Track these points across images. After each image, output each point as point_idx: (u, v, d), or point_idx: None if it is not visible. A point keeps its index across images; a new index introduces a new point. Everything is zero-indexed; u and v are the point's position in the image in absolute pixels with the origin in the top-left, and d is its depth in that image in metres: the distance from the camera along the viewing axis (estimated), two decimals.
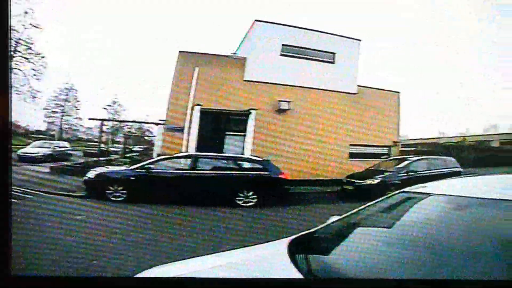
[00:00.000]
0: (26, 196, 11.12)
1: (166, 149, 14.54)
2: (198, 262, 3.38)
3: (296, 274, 2.82)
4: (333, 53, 16.23)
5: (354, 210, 3.95)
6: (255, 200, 12.08)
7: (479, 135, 18.60)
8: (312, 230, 3.74)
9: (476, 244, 2.80)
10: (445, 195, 3.52)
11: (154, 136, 16.79)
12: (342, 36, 16.44)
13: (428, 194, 3.58)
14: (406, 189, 3.94)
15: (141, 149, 17.52)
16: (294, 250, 3.20)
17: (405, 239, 3.21)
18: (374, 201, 4.03)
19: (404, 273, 2.76)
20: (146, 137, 18.16)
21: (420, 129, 18.63)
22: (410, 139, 18.19)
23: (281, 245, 3.33)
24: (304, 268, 2.96)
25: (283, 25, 15.75)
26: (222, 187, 12.09)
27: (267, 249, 3.53)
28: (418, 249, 3.01)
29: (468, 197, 3.27)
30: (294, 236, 3.57)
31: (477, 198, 3.19)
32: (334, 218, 3.91)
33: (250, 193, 12.12)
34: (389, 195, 4.06)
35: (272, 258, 3.26)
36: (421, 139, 18.52)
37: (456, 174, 13.48)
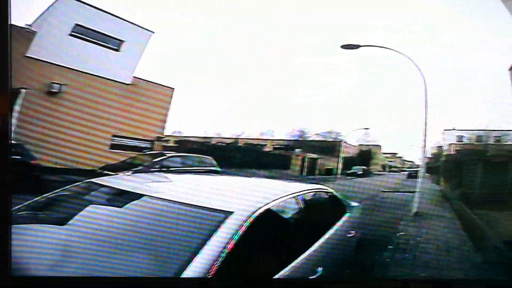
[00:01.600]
0: None
1: None
2: None
3: None
4: (122, 41, 16.03)
5: (40, 197, 4.04)
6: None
7: (253, 138, 19.56)
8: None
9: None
10: (112, 187, 3.83)
11: None
12: (136, 25, 16.26)
13: (104, 186, 3.87)
14: (95, 180, 4.16)
15: None
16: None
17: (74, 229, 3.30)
18: (62, 188, 4.15)
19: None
20: None
21: (196, 128, 19.02)
22: (180, 136, 18.46)
23: None
24: None
25: (85, 3, 15.15)
26: None
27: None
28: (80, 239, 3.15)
29: (131, 192, 3.61)
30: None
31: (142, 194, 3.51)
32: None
33: None
34: (79, 183, 4.23)
35: None
36: (192, 137, 18.89)
37: (212, 173, 13.82)
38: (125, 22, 16.01)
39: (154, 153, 15.10)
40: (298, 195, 4.25)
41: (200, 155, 14.96)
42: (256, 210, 3.29)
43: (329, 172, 21.07)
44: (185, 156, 14.62)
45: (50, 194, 4.06)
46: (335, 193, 5.69)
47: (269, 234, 3.52)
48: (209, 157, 14.88)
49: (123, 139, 15.76)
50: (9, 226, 3.30)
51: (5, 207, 3.41)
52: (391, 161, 24.51)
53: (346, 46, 14.60)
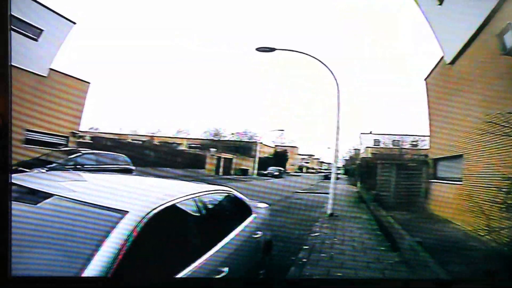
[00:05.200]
0: None
1: None
2: None
3: None
4: (41, 30, 15.52)
5: None
6: None
7: (169, 137, 19.68)
8: None
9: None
10: (23, 186, 3.61)
11: None
12: (58, 14, 15.89)
13: (15, 185, 3.61)
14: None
15: None
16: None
17: None
18: None
19: None
20: None
21: (112, 124, 18.81)
22: (95, 132, 18.20)
23: None
24: None
25: None
26: None
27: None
28: None
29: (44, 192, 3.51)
30: None
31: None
32: None
33: None
34: None
35: None
36: (108, 133, 18.69)
37: (126, 171, 14.17)
38: (46, 9, 15.61)
39: (69, 150, 14.82)
40: (197, 196, 4.32)
41: (114, 153, 14.96)
42: (151, 210, 3.35)
43: (245, 172, 21.74)
44: (99, 153, 14.46)
45: None
46: (238, 194, 5.78)
47: (167, 234, 3.59)
48: (122, 155, 14.90)
49: (37, 134, 15.47)
50: (9, 226, 3.28)
51: (5, 207, 3.36)
52: (307, 163, 25.37)
53: (262, 49, 15.05)
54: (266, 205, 6.80)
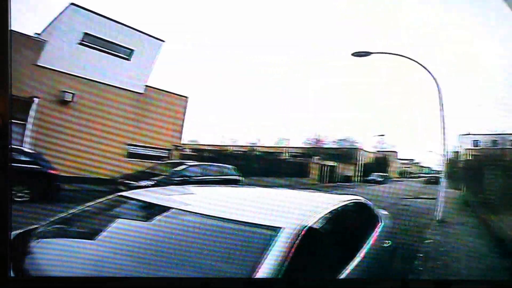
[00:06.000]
0: None
1: None
2: None
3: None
4: (132, 50, 15.93)
5: (72, 211, 3.80)
6: (28, 195, 11.07)
7: (269, 146, 19.47)
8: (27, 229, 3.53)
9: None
10: (148, 202, 3.59)
11: None
12: (146, 34, 16.20)
13: (136, 200, 3.66)
14: (124, 193, 3.96)
15: None
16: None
17: (109, 242, 3.14)
18: (92, 202, 3.92)
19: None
20: None
21: (212, 136, 18.92)
22: (197, 144, 18.37)
23: None
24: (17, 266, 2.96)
25: (93, 12, 15.02)
26: None
27: None
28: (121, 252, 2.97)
29: (160, 205, 3.43)
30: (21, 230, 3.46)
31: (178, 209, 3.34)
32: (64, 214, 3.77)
33: (24, 188, 11.10)
34: (107, 197, 4.02)
35: None
36: (209, 145, 18.79)
37: (233, 182, 13.77)
38: (133, 31, 15.97)
39: (173, 162, 14.87)
40: (338, 207, 4.11)
41: (220, 164, 14.79)
42: (306, 225, 3.16)
43: (348, 179, 21.00)
44: (206, 165, 14.45)
45: (79, 209, 3.88)
46: (368, 202, 5.55)
47: (316, 249, 3.35)
48: (229, 166, 14.74)
49: (139, 148, 15.71)
50: (9, 226, 3.30)
51: (5, 208, 3.41)
52: (408, 167, 24.42)
53: (357, 54, 14.61)
54: (386, 213, 6.52)
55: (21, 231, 3.48)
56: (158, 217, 3.36)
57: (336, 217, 3.91)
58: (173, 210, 3.36)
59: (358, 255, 3.95)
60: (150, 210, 3.49)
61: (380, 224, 5.36)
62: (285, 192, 5.47)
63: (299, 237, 2.98)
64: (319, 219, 3.46)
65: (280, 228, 2.99)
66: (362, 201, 5.35)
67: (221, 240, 3.07)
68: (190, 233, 3.14)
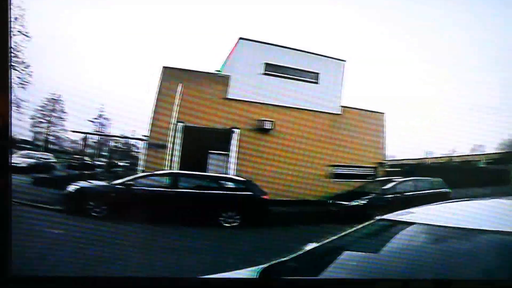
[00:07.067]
0: None
1: (149, 165, 14.31)
2: None
3: None
4: (317, 73, 16.19)
5: (332, 238, 3.82)
6: (238, 220, 11.84)
7: (465, 155, 18.61)
8: (285, 258, 3.58)
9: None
10: (428, 224, 3.41)
11: (139, 151, 16.21)
12: (326, 56, 16.36)
13: (409, 223, 3.47)
14: (386, 216, 3.84)
15: (126, 164, 17.01)
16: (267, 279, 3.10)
17: (384, 269, 3.15)
18: (354, 228, 3.90)
19: None
20: (131, 153, 17.61)
21: (406, 150, 18.48)
22: (395, 160, 18.07)
23: (252, 273, 3.23)
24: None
25: (267, 43, 15.71)
26: (204, 206, 11.83)
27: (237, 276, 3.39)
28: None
29: (451, 227, 3.23)
30: (266, 264, 3.41)
31: (464, 229, 3.13)
32: (311, 245, 3.75)
33: (233, 213, 11.86)
34: (369, 222, 3.95)
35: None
36: (407, 159, 18.41)
37: (444, 195, 13.27)
38: (311, 55, 16.19)
39: (382, 180, 14.90)
40: None
41: (429, 178, 14.47)
42: None
43: None
44: (415, 179, 14.21)
45: (347, 232, 3.83)
46: None
47: None
48: (438, 179, 14.35)
49: (343, 168, 15.75)
50: (9, 226, 3.25)
51: (5, 207, 3.30)
52: None
53: None
54: None
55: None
56: (436, 237, 3.25)
57: None
58: (449, 228, 3.24)
59: None
60: (426, 231, 3.35)
61: None
62: None
63: None
64: None
65: None
66: None
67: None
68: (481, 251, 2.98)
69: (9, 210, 3.37)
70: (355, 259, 3.52)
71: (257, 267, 3.30)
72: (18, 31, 13.13)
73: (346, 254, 3.62)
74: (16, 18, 12.77)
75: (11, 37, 3.61)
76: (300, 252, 3.67)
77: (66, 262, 6.89)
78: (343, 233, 3.81)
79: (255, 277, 3.07)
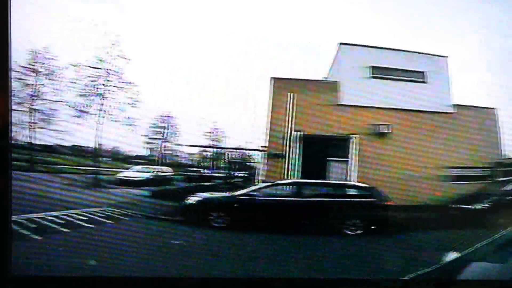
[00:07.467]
0: (123, 218, 11.57)
1: (269, 175, 14.91)
2: None
3: None
4: (422, 72, 16.11)
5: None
6: (362, 228, 12.05)
7: None
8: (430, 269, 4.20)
9: None
10: None
11: (255, 162, 17.07)
12: (428, 54, 16.22)
13: None
14: None
15: (244, 175, 17.37)
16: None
17: None
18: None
19: None
20: (248, 163, 18.00)
21: None
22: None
23: None
24: None
25: (367, 46, 15.92)
26: (328, 214, 12.10)
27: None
28: None
29: None
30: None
31: None
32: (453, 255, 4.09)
33: (357, 221, 12.07)
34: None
35: None
36: None
37: None
38: (415, 54, 16.15)
39: (504, 180, 14.54)
40: None
41: None
42: None
43: None
44: None
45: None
46: None
47: None
48: None
49: (460, 170, 15.51)
50: (9, 226, 3.27)
51: (5, 208, 3.33)
52: None
53: None
54: None
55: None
56: None
57: None
58: None
59: None
60: None
61: None
62: None
63: None
64: None
65: None
66: None
67: None
68: None
69: (9, 210, 3.45)
70: None
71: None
72: (118, 56, 13.98)
73: None
74: (113, 44, 13.69)
75: (11, 38, 3.76)
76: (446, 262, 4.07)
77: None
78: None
79: None
